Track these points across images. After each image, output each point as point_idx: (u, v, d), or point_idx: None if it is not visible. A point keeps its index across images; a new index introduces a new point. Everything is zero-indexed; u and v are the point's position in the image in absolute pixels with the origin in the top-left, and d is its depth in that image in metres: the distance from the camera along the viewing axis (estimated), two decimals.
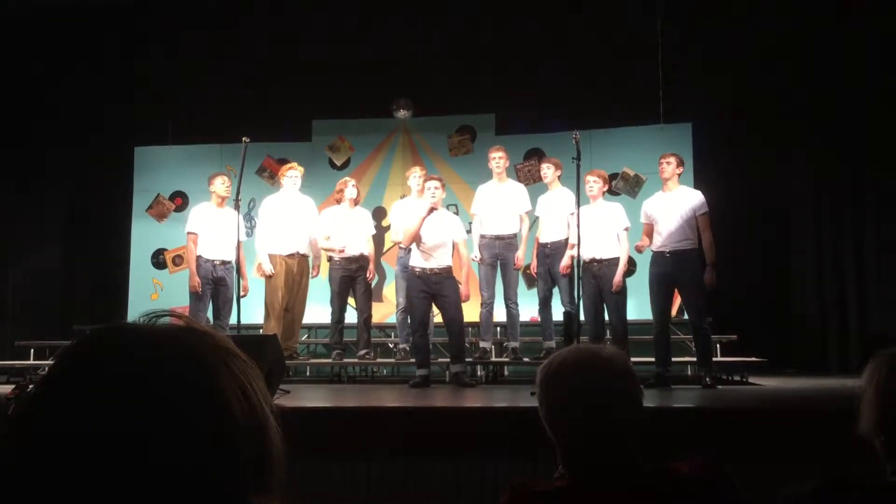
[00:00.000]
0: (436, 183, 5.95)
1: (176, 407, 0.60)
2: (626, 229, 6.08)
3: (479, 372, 6.75)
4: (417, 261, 5.92)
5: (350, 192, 6.76)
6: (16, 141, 8.77)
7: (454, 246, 6.01)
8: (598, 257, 6.00)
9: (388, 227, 7.52)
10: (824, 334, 7.69)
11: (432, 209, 5.83)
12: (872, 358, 1.51)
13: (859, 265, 7.63)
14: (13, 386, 4.49)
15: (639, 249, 5.96)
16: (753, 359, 6.36)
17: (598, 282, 5.99)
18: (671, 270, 5.69)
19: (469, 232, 6.70)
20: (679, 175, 5.91)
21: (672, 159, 5.88)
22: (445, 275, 5.89)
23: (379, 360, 7.16)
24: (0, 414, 3.63)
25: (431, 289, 5.87)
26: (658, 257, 5.80)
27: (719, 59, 7.97)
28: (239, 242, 6.15)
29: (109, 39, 8.53)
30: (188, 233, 6.58)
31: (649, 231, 5.87)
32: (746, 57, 7.95)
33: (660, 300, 5.75)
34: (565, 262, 6.22)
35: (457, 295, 5.91)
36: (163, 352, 0.63)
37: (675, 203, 5.79)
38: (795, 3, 7.74)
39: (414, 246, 5.95)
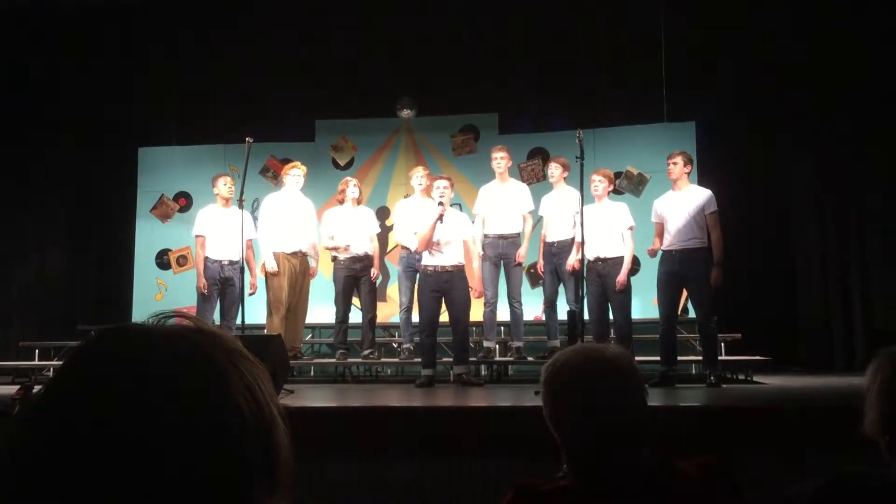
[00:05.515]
0: (445, 182, 5.95)
1: (183, 407, 0.60)
2: (631, 228, 6.07)
3: (483, 371, 6.75)
4: (428, 259, 5.92)
5: (352, 191, 6.77)
6: (19, 141, 8.78)
7: (464, 244, 6.00)
8: (602, 256, 6.00)
9: (392, 227, 7.51)
10: (829, 332, 7.67)
11: (442, 215, 5.79)
12: (875, 357, 1.50)
13: (863, 262, 7.61)
14: (18, 387, 4.51)
15: (651, 254, 5.92)
16: (758, 357, 6.35)
17: (602, 281, 5.99)
18: (679, 269, 5.67)
19: None
20: (688, 174, 5.88)
21: (678, 159, 5.85)
22: (456, 273, 5.89)
23: (383, 359, 7.16)
24: (5, 415, 3.64)
25: (441, 287, 5.87)
26: (667, 256, 5.78)
27: (722, 58, 7.95)
28: (249, 240, 6.17)
29: (111, 39, 8.54)
30: (196, 236, 6.61)
31: (660, 231, 5.84)
32: (749, 55, 7.93)
33: (667, 299, 5.73)
34: (572, 260, 6.22)
35: (465, 295, 5.91)
36: (170, 352, 0.64)
37: (684, 202, 5.76)
38: (797, 2, 7.72)
39: None
